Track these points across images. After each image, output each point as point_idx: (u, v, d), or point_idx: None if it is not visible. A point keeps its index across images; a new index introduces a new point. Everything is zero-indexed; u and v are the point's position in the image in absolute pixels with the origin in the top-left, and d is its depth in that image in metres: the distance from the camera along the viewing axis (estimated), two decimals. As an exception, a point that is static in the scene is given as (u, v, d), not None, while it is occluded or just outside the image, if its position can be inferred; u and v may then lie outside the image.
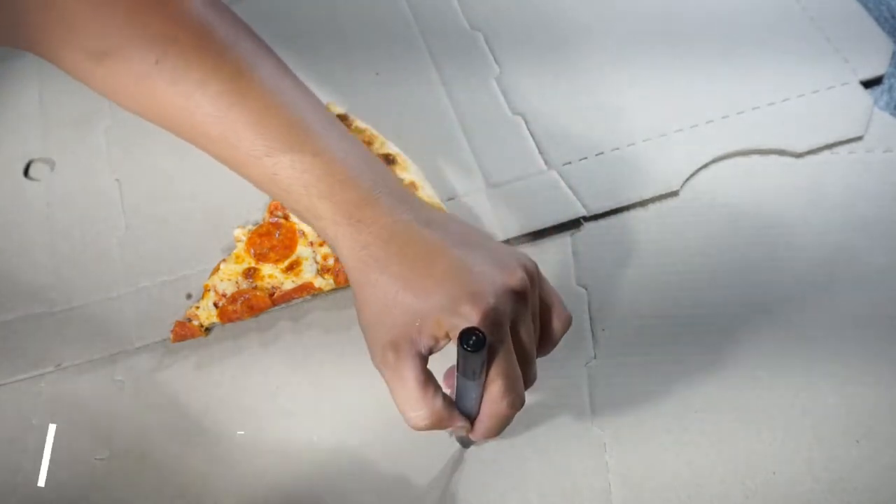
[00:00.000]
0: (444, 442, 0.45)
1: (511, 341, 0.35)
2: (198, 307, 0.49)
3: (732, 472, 0.44)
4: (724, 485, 0.43)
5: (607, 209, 0.54)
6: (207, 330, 0.50)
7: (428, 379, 0.36)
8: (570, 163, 0.56)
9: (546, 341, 0.40)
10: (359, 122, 0.55)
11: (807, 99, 0.58)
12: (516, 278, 0.36)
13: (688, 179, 0.55)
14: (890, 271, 0.50)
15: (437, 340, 0.35)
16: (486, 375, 0.35)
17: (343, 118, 0.55)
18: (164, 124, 0.41)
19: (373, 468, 0.45)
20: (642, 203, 0.54)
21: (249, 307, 0.49)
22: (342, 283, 0.50)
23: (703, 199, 0.54)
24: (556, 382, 0.47)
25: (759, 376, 0.47)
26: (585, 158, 0.56)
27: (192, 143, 0.41)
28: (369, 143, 0.54)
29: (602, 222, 0.53)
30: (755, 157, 0.56)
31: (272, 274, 0.50)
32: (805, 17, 0.63)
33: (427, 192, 0.52)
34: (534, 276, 0.38)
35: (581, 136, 0.57)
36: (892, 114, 0.57)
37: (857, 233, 0.52)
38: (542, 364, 0.47)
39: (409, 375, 0.35)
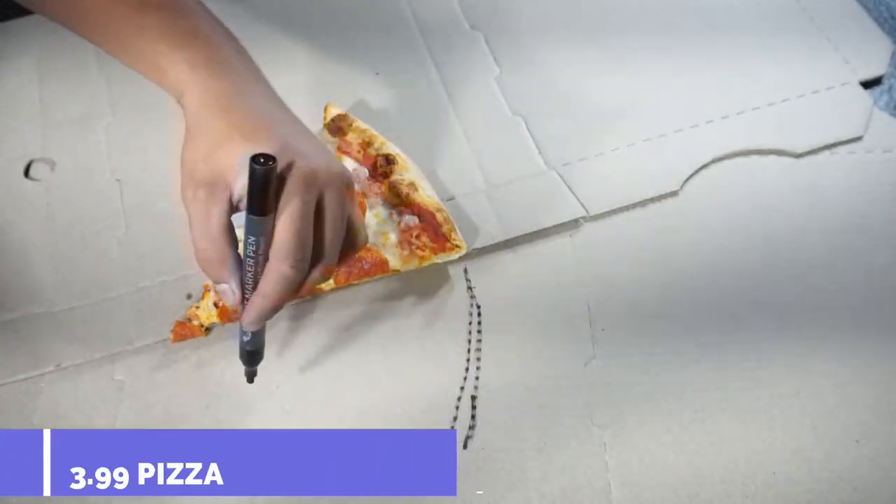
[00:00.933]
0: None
1: (313, 212, 0.37)
2: (198, 307, 0.49)
3: (732, 472, 0.44)
4: (724, 485, 0.43)
5: (607, 209, 0.54)
6: (207, 330, 0.50)
7: (229, 226, 0.37)
8: (569, 163, 0.56)
9: (347, 248, 0.41)
10: (359, 122, 0.55)
11: (806, 99, 0.58)
12: (341, 167, 0.39)
13: (688, 179, 0.55)
14: (890, 271, 0.50)
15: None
16: (275, 234, 0.36)
17: (343, 118, 0.55)
18: (63, 12, 0.44)
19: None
20: (642, 203, 0.54)
21: (249, 307, 0.49)
22: (342, 283, 0.50)
23: (703, 199, 0.54)
24: (556, 382, 0.47)
25: (759, 376, 0.47)
26: (585, 158, 0.56)
27: (73, 16, 0.44)
28: (369, 144, 0.54)
29: (602, 222, 0.53)
30: (755, 157, 0.56)
31: (272, 274, 0.50)
32: (805, 17, 0.63)
33: (427, 192, 0.52)
34: (352, 189, 0.40)
35: (581, 136, 0.57)
36: (891, 114, 0.57)
37: (857, 233, 0.52)
38: (542, 364, 0.48)
39: (215, 213, 0.36)
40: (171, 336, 0.49)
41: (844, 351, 0.47)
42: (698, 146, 0.56)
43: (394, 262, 0.50)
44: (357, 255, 0.49)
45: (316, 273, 0.38)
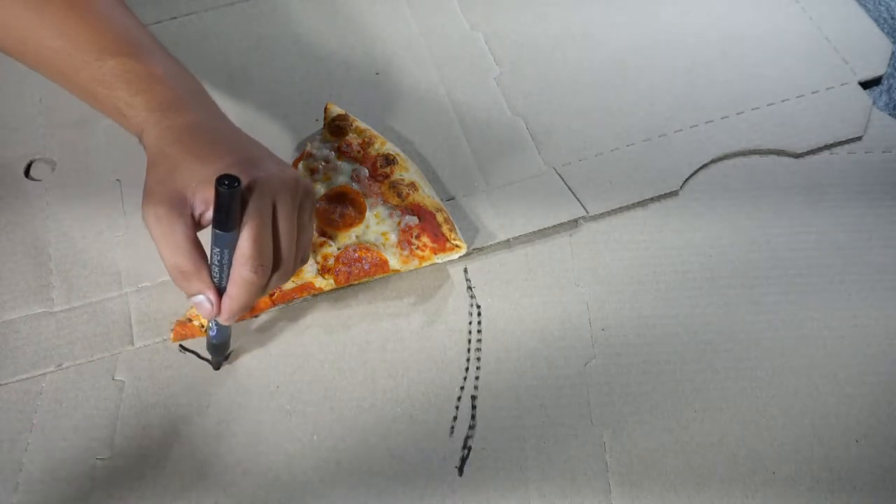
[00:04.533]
0: (445, 441, 0.45)
1: (270, 219, 0.39)
2: (198, 307, 0.49)
3: (732, 472, 0.44)
4: (724, 485, 0.43)
5: (607, 209, 0.54)
6: (207, 330, 0.50)
7: (195, 239, 0.40)
8: (570, 163, 0.56)
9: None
10: (359, 122, 0.55)
11: (806, 99, 0.58)
12: (293, 173, 0.42)
13: (688, 179, 0.55)
14: (890, 271, 0.50)
15: (207, 205, 0.39)
16: (238, 243, 0.39)
17: (343, 118, 0.55)
18: (15, 47, 0.46)
19: (373, 467, 0.45)
20: (642, 203, 0.54)
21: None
22: (342, 283, 0.50)
23: (703, 199, 0.54)
24: (556, 382, 0.47)
25: (759, 376, 0.47)
26: (585, 158, 0.56)
27: (33, 60, 0.46)
28: (369, 144, 0.54)
29: (602, 222, 0.54)
30: (755, 157, 0.56)
31: (272, 274, 0.50)
32: (805, 18, 0.63)
33: (427, 192, 0.52)
34: (309, 194, 0.43)
35: (581, 136, 0.57)
36: (891, 114, 0.57)
37: (857, 233, 0.52)
38: (542, 364, 0.48)
39: (179, 229, 0.39)
40: (171, 336, 0.49)
41: (844, 350, 0.47)
42: (698, 146, 0.56)
43: (394, 262, 0.50)
44: (357, 256, 0.50)
45: (280, 274, 0.41)
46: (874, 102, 0.58)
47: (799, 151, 0.56)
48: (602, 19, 0.64)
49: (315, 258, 0.50)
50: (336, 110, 0.56)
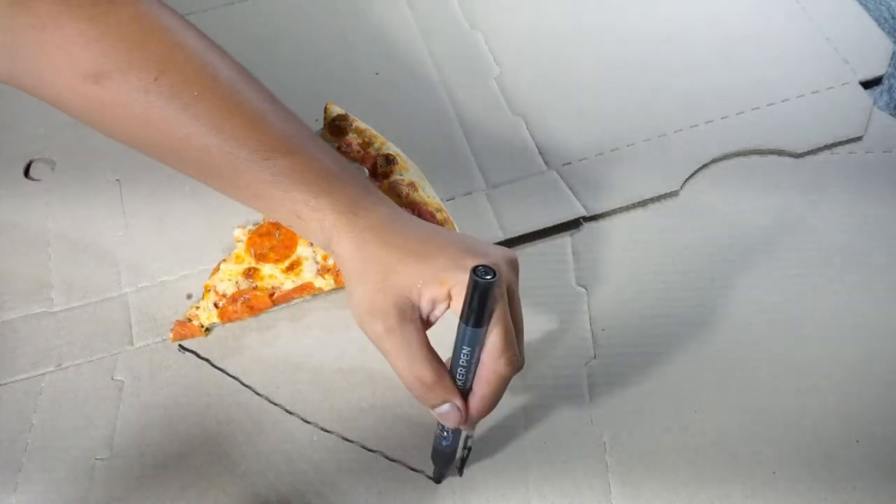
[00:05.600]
0: (444, 442, 0.45)
1: (508, 303, 0.36)
2: (198, 307, 0.49)
3: (732, 471, 0.44)
4: (724, 485, 0.43)
5: (607, 209, 0.54)
6: (207, 330, 0.50)
7: (430, 345, 0.36)
8: (570, 163, 0.56)
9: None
10: (359, 122, 0.55)
11: (806, 99, 0.58)
12: (511, 252, 0.39)
13: (688, 179, 0.55)
14: (890, 271, 0.50)
15: (435, 303, 0.36)
16: (486, 338, 0.35)
17: (343, 118, 0.55)
18: (158, 145, 0.42)
19: (373, 467, 0.45)
20: (642, 203, 0.54)
21: (249, 307, 0.49)
22: (342, 283, 0.50)
23: (703, 199, 0.54)
24: (556, 382, 0.47)
25: (759, 376, 0.47)
26: (585, 158, 0.56)
27: (186, 163, 0.42)
28: (369, 144, 0.54)
29: (602, 222, 0.54)
30: (755, 157, 0.56)
31: (272, 274, 0.50)
32: (805, 17, 0.63)
33: (427, 192, 0.52)
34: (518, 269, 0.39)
35: (581, 136, 0.57)
36: (891, 114, 0.57)
37: (857, 233, 0.52)
38: (541, 364, 0.48)
39: (413, 338, 0.36)
40: (171, 336, 0.49)
41: (844, 350, 0.47)
42: (698, 146, 0.56)
43: (394, 262, 0.50)
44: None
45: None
46: (875, 102, 0.58)
47: (799, 151, 0.55)
48: (602, 19, 0.64)
49: (315, 258, 0.50)
50: (336, 110, 0.56)
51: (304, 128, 0.43)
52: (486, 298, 0.34)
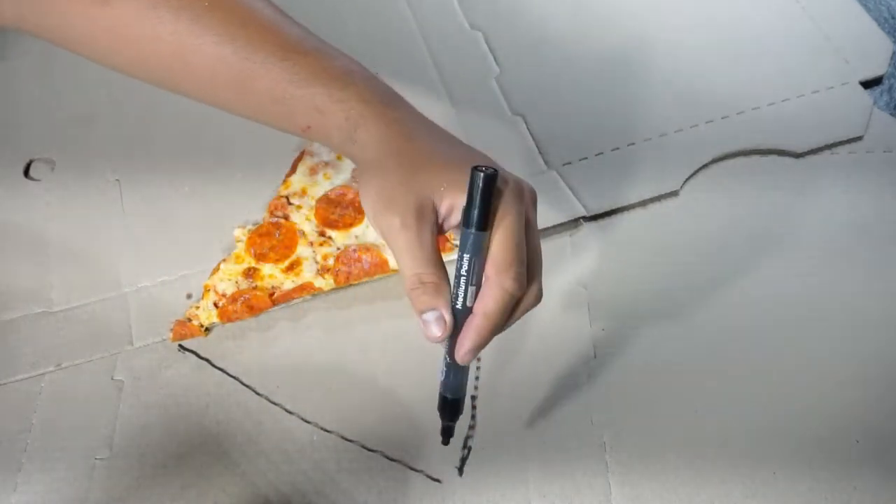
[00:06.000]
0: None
1: (525, 229, 0.35)
2: (198, 307, 0.49)
3: (732, 472, 0.44)
4: (725, 485, 0.43)
5: (607, 209, 0.54)
6: (207, 330, 0.50)
7: (438, 248, 0.35)
8: (570, 163, 0.56)
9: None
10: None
11: (807, 99, 0.58)
12: (531, 185, 0.37)
13: (688, 179, 0.55)
14: (890, 271, 0.50)
15: (453, 210, 0.35)
16: (490, 247, 0.34)
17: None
18: (168, 64, 0.40)
19: (373, 467, 0.45)
20: (642, 203, 0.54)
21: (249, 307, 0.49)
22: (342, 283, 0.50)
23: (703, 199, 0.54)
24: (557, 382, 0.47)
25: (759, 376, 0.47)
26: (585, 158, 0.56)
27: (197, 78, 0.40)
28: (369, 143, 0.54)
29: (602, 222, 0.53)
30: (755, 157, 0.56)
31: (272, 274, 0.50)
32: (805, 17, 0.63)
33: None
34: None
35: (581, 136, 0.57)
36: (891, 114, 0.57)
37: (857, 233, 0.52)
38: (542, 364, 0.48)
39: (426, 238, 0.34)
40: (171, 336, 0.49)
41: (844, 350, 0.47)
42: (698, 146, 0.56)
43: (394, 261, 0.50)
44: (357, 255, 0.50)
45: (531, 294, 0.36)
46: (875, 102, 0.58)
47: (799, 151, 0.55)
48: (602, 19, 0.64)
49: (315, 258, 0.50)
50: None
51: (319, 39, 0.41)
52: (486, 195, 0.32)
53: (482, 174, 0.32)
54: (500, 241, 0.34)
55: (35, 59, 0.64)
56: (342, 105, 0.38)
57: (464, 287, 0.34)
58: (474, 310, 0.35)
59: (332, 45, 0.41)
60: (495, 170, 0.33)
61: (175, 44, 0.39)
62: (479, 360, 0.48)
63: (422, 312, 0.35)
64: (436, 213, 0.35)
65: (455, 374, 0.37)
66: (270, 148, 0.55)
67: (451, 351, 0.36)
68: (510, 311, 0.35)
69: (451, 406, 0.38)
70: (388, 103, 0.39)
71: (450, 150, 0.38)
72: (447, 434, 0.40)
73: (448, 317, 0.35)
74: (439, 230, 0.36)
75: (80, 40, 0.41)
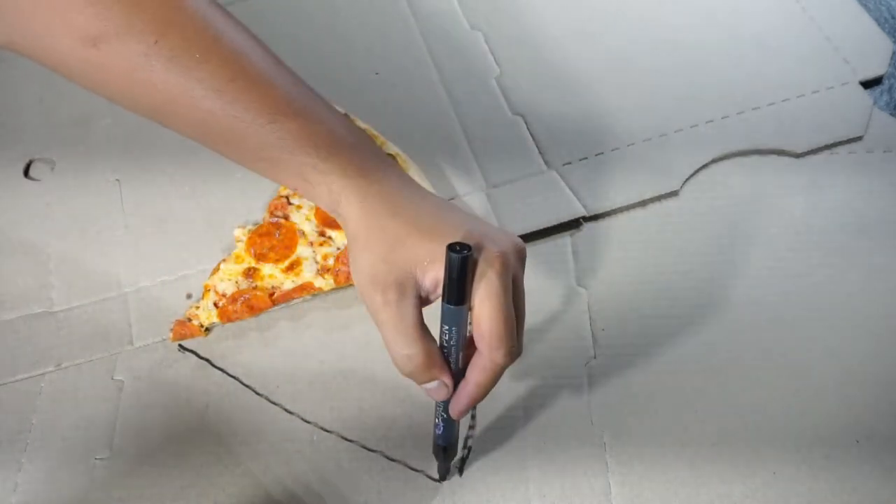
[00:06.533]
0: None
1: (512, 292, 0.35)
2: (198, 307, 0.49)
3: (732, 472, 0.44)
4: (725, 485, 0.43)
5: (607, 209, 0.54)
6: (207, 330, 0.50)
7: (424, 323, 0.36)
8: (570, 163, 0.56)
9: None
10: (359, 122, 0.55)
11: (807, 99, 0.58)
12: (520, 241, 0.38)
13: (688, 179, 0.55)
14: (890, 271, 0.50)
15: (438, 283, 0.36)
16: (483, 323, 0.35)
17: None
18: (159, 109, 0.41)
19: (373, 467, 0.45)
20: (642, 203, 0.54)
21: (249, 307, 0.49)
22: (342, 283, 0.50)
23: (703, 199, 0.54)
24: (556, 382, 0.47)
25: (759, 376, 0.47)
26: (585, 158, 0.56)
27: (190, 127, 0.41)
28: (369, 143, 0.54)
29: (602, 222, 0.53)
30: (755, 157, 0.56)
31: (272, 274, 0.50)
32: (805, 17, 0.63)
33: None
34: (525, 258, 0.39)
35: (581, 136, 0.57)
36: (891, 114, 0.57)
37: (857, 233, 0.52)
38: (542, 364, 0.48)
39: (409, 314, 0.35)
40: (171, 336, 0.49)
41: (844, 351, 0.47)
42: (698, 146, 0.56)
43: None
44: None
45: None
46: (875, 102, 0.58)
47: (799, 151, 0.55)
48: (602, 19, 0.64)
49: (315, 258, 0.50)
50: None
51: (311, 91, 0.42)
52: (458, 274, 0.33)
53: (456, 256, 0.33)
54: (490, 317, 0.34)
55: (35, 59, 0.64)
56: (325, 178, 0.38)
57: (454, 355, 0.36)
58: (468, 378, 0.37)
59: (321, 100, 0.42)
60: (469, 249, 0.33)
61: (166, 93, 0.39)
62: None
63: (423, 384, 0.37)
64: (418, 287, 0.36)
65: (450, 426, 0.40)
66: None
67: (446, 408, 0.39)
68: (498, 378, 0.37)
69: (448, 450, 0.42)
70: (369, 175, 0.39)
71: (433, 220, 0.38)
72: (445, 472, 0.43)
73: (448, 381, 0.37)
74: (425, 302, 0.37)
75: (73, 76, 0.41)
